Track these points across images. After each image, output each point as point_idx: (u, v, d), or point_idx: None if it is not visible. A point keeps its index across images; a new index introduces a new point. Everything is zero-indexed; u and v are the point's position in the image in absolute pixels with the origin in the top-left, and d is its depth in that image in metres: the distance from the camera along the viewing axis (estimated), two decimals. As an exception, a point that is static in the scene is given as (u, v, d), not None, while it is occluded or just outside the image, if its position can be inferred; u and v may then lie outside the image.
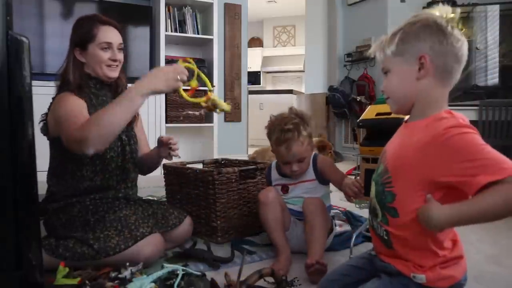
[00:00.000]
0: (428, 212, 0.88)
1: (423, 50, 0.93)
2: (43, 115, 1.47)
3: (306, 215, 1.49)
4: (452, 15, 0.95)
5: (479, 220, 0.84)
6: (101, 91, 1.53)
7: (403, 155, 0.96)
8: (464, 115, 0.97)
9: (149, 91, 1.28)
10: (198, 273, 1.28)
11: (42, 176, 1.42)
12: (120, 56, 1.51)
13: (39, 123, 1.45)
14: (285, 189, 1.62)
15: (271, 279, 1.32)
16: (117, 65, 1.51)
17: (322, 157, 1.64)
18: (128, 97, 1.27)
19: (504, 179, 0.78)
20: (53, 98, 1.46)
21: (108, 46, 1.47)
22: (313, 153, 1.64)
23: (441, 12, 0.95)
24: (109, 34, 1.48)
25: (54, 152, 1.48)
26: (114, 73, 1.51)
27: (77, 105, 1.40)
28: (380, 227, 1.02)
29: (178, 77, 1.30)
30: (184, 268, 1.28)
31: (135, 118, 1.65)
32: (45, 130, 1.46)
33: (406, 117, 1.37)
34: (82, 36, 1.47)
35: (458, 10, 0.96)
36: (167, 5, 3.78)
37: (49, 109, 1.46)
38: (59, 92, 1.45)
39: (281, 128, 1.51)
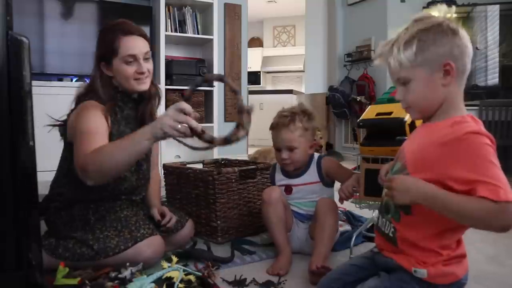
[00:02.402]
0: (421, 182, 0.91)
1: (444, 56, 0.93)
2: (64, 117, 1.43)
3: (318, 215, 1.49)
4: (449, 14, 0.96)
5: (453, 212, 0.87)
6: (128, 104, 1.48)
7: (423, 152, 0.97)
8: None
9: (152, 137, 1.17)
10: (198, 273, 1.28)
11: (42, 176, 1.41)
12: (147, 66, 1.42)
13: (58, 126, 1.43)
14: (288, 190, 1.62)
15: (263, 279, 1.32)
16: (146, 77, 1.42)
17: (327, 159, 1.64)
18: (133, 139, 1.20)
19: (496, 202, 0.82)
20: (76, 103, 1.41)
21: (133, 58, 1.38)
22: (317, 154, 1.64)
23: (441, 12, 0.96)
24: (133, 45, 1.38)
25: (69, 155, 1.40)
26: (144, 86, 1.43)
27: (96, 123, 1.32)
28: (389, 223, 1.02)
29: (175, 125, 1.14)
30: (184, 268, 1.28)
31: None
32: (63, 133, 1.43)
33: (407, 117, 1.37)
34: (105, 51, 1.39)
35: (453, 8, 0.97)
36: (167, 5, 3.77)
37: (71, 111, 1.42)
38: (85, 99, 1.39)
39: (279, 114, 1.58)
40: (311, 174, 1.60)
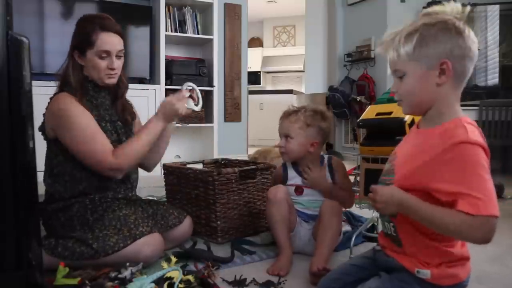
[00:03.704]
0: (396, 191, 0.92)
1: (443, 54, 0.91)
2: (44, 115, 1.46)
3: (323, 216, 1.48)
4: (462, 13, 0.93)
5: (431, 224, 0.89)
6: (100, 93, 1.52)
7: (412, 160, 0.96)
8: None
9: (166, 124, 1.53)
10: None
11: (42, 176, 1.41)
12: (118, 63, 1.48)
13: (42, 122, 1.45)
14: (299, 191, 1.61)
15: (263, 279, 1.32)
16: (115, 73, 1.49)
17: (336, 160, 1.64)
18: (153, 133, 1.49)
19: (473, 216, 0.81)
20: (51, 98, 1.45)
21: (107, 54, 1.44)
22: (326, 155, 1.65)
23: (453, 10, 0.93)
24: (109, 42, 1.44)
25: (51, 153, 1.46)
26: (112, 80, 1.50)
27: (88, 120, 1.41)
28: (388, 223, 1.02)
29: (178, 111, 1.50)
30: (184, 268, 1.28)
31: (134, 116, 1.64)
32: (42, 130, 1.45)
33: (407, 117, 1.37)
34: (81, 41, 1.45)
35: (468, 8, 0.93)
36: (167, 5, 3.78)
37: (47, 108, 1.45)
38: (59, 92, 1.45)
39: (289, 106, 1.66)
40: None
